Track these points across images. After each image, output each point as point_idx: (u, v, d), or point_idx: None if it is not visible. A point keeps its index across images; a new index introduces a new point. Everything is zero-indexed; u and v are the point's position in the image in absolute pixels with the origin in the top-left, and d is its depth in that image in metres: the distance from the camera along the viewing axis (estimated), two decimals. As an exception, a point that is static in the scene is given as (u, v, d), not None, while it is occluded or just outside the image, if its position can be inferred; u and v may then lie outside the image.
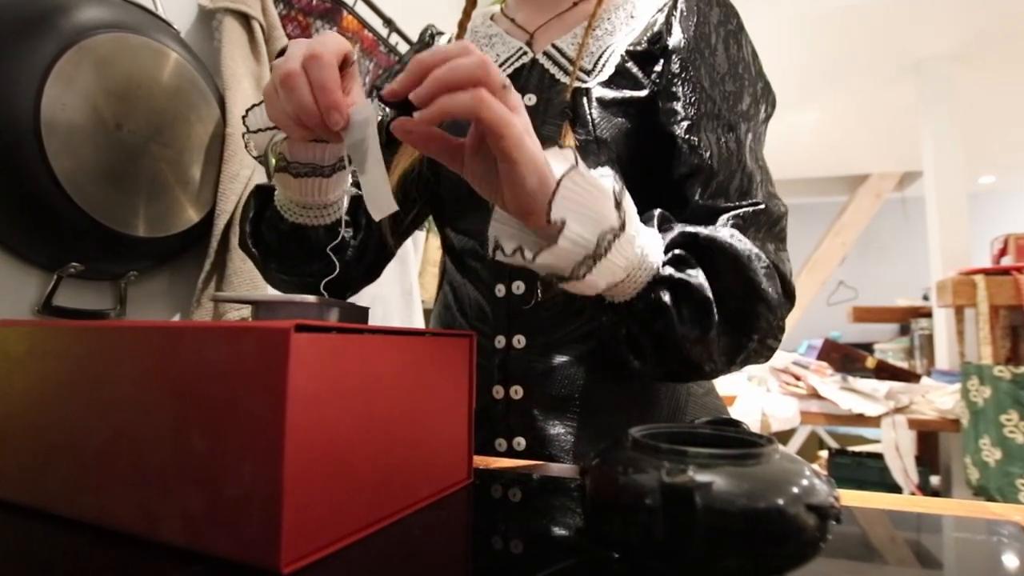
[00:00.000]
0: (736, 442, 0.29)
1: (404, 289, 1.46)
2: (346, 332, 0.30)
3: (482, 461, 0.51)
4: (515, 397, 0.56)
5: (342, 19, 1.22)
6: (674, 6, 0.57)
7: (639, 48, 0.57)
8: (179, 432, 0.28)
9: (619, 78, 0.56)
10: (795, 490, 0.24)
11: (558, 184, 0.36)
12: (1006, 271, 1.87)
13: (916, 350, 3.11)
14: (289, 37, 1.06)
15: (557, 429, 0.55)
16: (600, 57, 0.58)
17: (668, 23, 0.56)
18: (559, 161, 0.37)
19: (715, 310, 0.43)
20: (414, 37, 0.91)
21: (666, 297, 0.42)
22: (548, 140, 0.41)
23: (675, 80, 0.54)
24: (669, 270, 0.42)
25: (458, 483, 0.41)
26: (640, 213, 0.43)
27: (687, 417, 0.58)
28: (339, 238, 0.54)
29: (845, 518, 0.37)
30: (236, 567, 0.26)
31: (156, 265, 0.87)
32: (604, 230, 0.37)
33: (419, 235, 1.65)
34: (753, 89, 0.56)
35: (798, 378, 2.13)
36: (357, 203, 0.59)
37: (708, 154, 0.51)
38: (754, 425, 1.96)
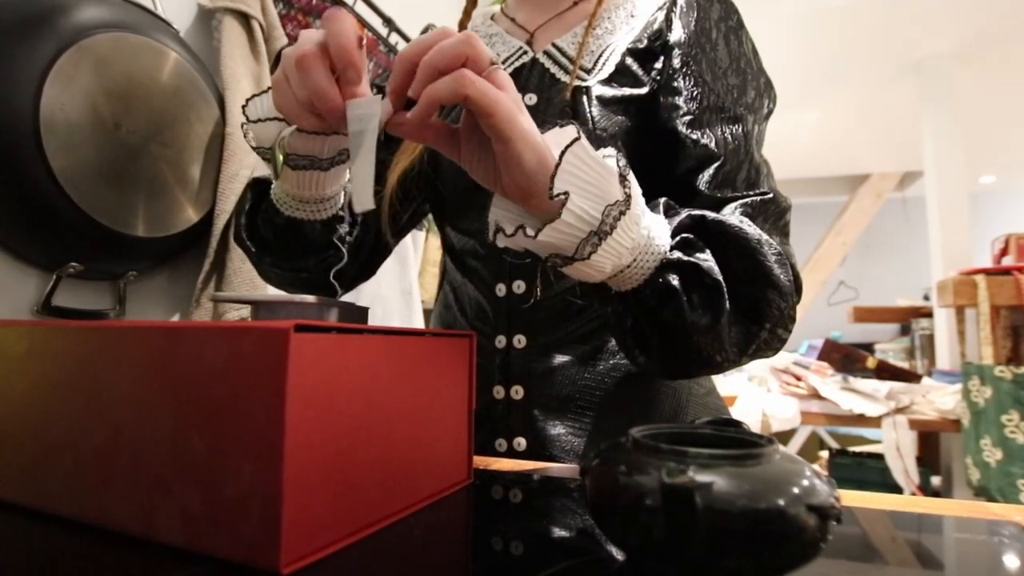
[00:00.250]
0: (736, 442, 0.29)
1: (404, 289, 1.46)
2: (346, 332, 0.30)
3: (482, 461, 0.51)
4: (516, 397, 0.56)
5: (342, 19, 1.22)
6: (674, 3, 0.57)
7: (639, 46, 0.57)
8: (178, 432, 0.28)
9: (619, 76, 0.56)
10: (796, 491, 0.24)
11: (561, 157, 0.35)
12: (1007, 271, 1.87)
13: (917, 350, 3.10)
14: (289, 37, 1.06)
15: (558, 429, 0.55)
16: (600, 56, 0.58)
17: (668, 20, 0.56)
18: (560, 138, 0.36)
19: (726, 295, 0.41)
20: (414, 36, 0.91)
21: (675, 281, 0.40)
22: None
23: (676, 75, 0.54)
24: (677, 254, 0.41)
25: (458, 483, 0.41)
26: None
27: (688, 417, 0.58)
28: (335, 233, 0.54)
29: (846, 519, 0.36)
30: (235, 567, 0.26)
31: (155, 265, 0.87)
32: (609, 204, 0.36)
33: (419, 235, 1.64)
34: (756, 83, 0.55)
35: (799, 378, 2.13)
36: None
37: (713, 145, 0.51)
38: (754, 425, 1.96)
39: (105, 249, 0.77)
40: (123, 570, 0.27)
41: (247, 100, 0.46)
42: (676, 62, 0.54)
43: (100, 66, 0.73)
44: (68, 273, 0.74)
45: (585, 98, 0.55)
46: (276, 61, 1.02)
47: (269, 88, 0.46)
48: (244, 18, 0.97)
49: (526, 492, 0.42)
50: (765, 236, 0.44)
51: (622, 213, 0.37)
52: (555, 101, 0.57)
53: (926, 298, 3.46)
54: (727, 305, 0.41)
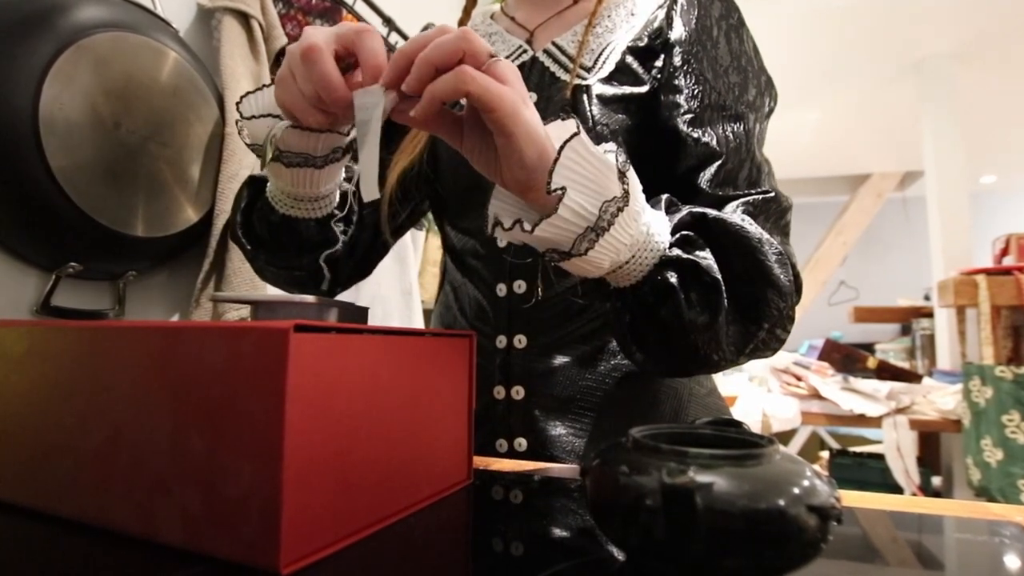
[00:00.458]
0: (737, 443, 0.29)
1: (404, 289, 1.46)
2: (345, 332, 0.30)
3: (482, 462, 0.51)
4: (516, 398, 0.56)
5: (341, 18, 1.22)
6: (674, 1, 0.57)
7: (640, 44, 0.57)
8: (178, 432, 0.28)
9: (620, 75, 0.56)
10: (796, 491, 0.24)
11: (559, 152, 0.35)
12: (1007, 271, 1.87)
13: (917, 350, 3.10)
14: (288, 36, 1.06)
15: (558, 430, 0.55)
16: (600, 54, 0.58)
17: (669, 18, 0.56)
18: (561, 132, 0.36)
19: (725, 294, 0.41)
20: (413, 36, 0.91)
21: (673, 279, 0.40)
22: None
23: (677, 73, 0.54)
24: (676, 251, 0.41)
25: (458, 484, 0.41)
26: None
27: (689, 417, 0.57)
28: (330, 232, 0.54)
29: (846, 519, 0.36)
30: (235, 568, 0.26)
31: (155, 265, 0.87)
32: (606, 200, 0.36)
33: (419, 235, 1.64)
34: (757, 81, 0.55)
35: (799, 378, 2.13)
36: (348, 198, 0.58)
37: (715, 143, 0.50)
38: (755, 426, 1.96)
39: (104, 249, 0.77)
40: (123, 570, 0.27)
41: (242, 97, 0.46)
42: (677, 60, 0.54)
43: (99, 66, 0.73)
44: (67, 273, 0.74)
45: (585, 96, 0.55)
46: (276, 61, 1.02)
47: (265, 85, 0.46)
48: (244, 18, 0.97)
49: (526, 492, 0.42)
50: (766, 235, 0.44)
51: (620, 209, 0.37)
52: (555, 100, 0.57)
53: (927, 298, 3.46)
54: (725, 304, 0.41)
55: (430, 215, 0.71)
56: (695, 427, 0.32)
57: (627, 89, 0.55)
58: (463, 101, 0.37)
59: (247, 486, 0.26)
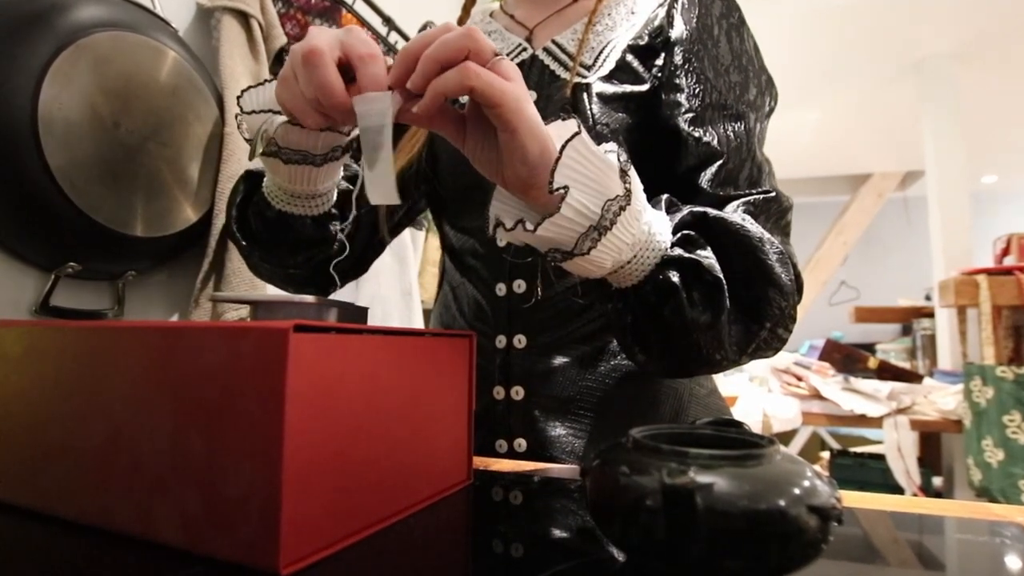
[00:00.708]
0: (737, 443, 0.29)
1: (404, 289, 1.46)
2: (345, 332, 0.30)
3: (482, 462, 0.51)
4: (516, 398, 0.56)
5: (341, 17, 1.22)
6: (675, 0, 0.57)
7: (640, 43, 0.57)
8: (177, 433, 0.28)
9: (620, 73, 0.56)
10: (797, 491, 0.24)
11: (560, 151, 0.35)
12: (1008, 271, 1.87)
13: (918, 350, 3.10)
14: (288, 35, 1.06)
15: (558, 430, 0.55)
16: (601, 52, 0.58)
17: (669, 16, 0.56)
18: (562, 131, 0.36)
19: (727, 293, 0.41)
20: (413, 35, 0.91)
21: (675, 278, 0.40)
22: None
23: (678, 72, 0.54)
24: (678, 251, 0.41)
25: (458, 484, 0.41)
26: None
27: (689, 418, 0.57)
28: (326, 231, 0.54)
29: (847, 519, 0.36)
30: (235, 568, 0.26)
31: (154, 265, 0.87)
32: (609, 199, 0.36)
33: (419, 235, 1.64)
34: (758, 81, 0.55)
35: (800, 379, 2.13)
36: (345, 197, 0.58)
37: (716, 143, 0.50)
38: (755, 426, 1.96)
39: (104, 249, 0.77)
40: (122, 570, 0.27)
41: (243, 91, 0.45)
42: (678, 59, 0.54)
43: (99, 65, 0.73)
44: (66, 273, 0.74)
45: (586, 95, 0.55)
46: (277, 58, 1.02)
47: (265, 80, 0.45)
48: (243, 17, 0.96)
49: (526, 493, 0.42)
50: (767, 235, 0.44)
51: (622, 208, 0.37)
52: (555, 98, 0.57)
53: (927, 298, 3.46)
54: (727, 303, 0.41)
55: (430, 215, 0.71)
56: (695, 427, 0.32)
57: (627, 87, 0.55)
58: (464, 99, 0.37)
59: (247, 486, 0.26)
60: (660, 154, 0.53)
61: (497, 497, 0.41)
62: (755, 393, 2.18)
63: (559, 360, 0.56)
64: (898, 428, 1.87)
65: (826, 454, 2.19)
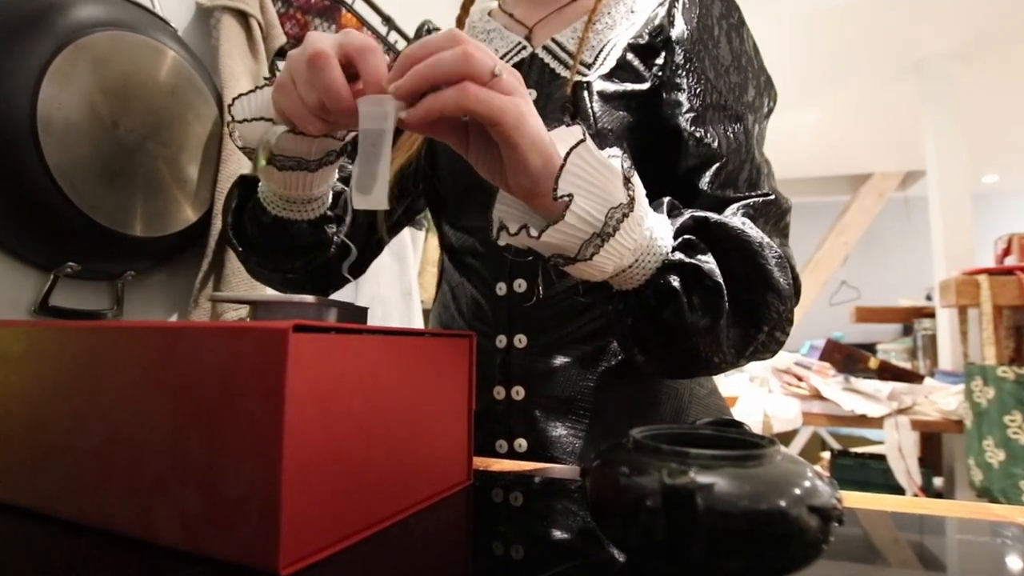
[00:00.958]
0: (738, 443, 0.29)
1: (403, 289, 1.46)
2: (345, 332, 0.30)
3: (482, 463, 0.50)
4: (516, 398, 0.56)
5: (341, 17, 1.22)
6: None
7: (640, 41, 0.57)
8: (177, 433, 0.28)
9: (620, 71, 0.56)
10: (797, 492, 0.24)
11: (565, 159, 0.35)
12: (1010, 271, 1.87)
13: (919, 351, 3.10)
14: (287, 35, 1.06)
15: (559, 431, 0.54)
16: (601, 51, 0.58)
17: (670, 15, 0.56)
18: (566, 138, 0.36)
19: (726, 297, 0.41)
20: (412, 35, 0.91)
21: (675, 283, 0.40)
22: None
23: (679, 71, 0.54)
24: (679, 255, 0.41)
25: (458, 484, 0.41)
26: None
27: (689, 418, 0.57)
28: (323, 234, 0.54)
29: (848, 520, 0.36)
30: (234, 568, 0.26)
31: (154, 265, 0.87)
32: (612, 207, 0.36)
33: (418, 235, 1.64)
34: (757, 82, 0.55)
35: (800, 379, 2.13)
36: (342, 200, 0.58)
37: (716, 144, 0.51)
38: (756, 426, 1.96)
39: (103, 249, 0.76)
40: (122, 570, 0.27)
41: (233, 99, 0.45)
42: (679, 58, 0.54)
43: (98, 65, 0.73)
44: (66, 273, 0.74)
45: (586, 93, 0.55)
46: (277, 54, 1.02)
47: (257, 87, 0.45)
48: (243, 16, 0.96)
49: (526, 493, 0.42)
50: (767, 239, 0.44)
51: (625, 215, 0.37)
52: (555, 97, 0.57)
53: (928, 298, 3.46)
54: (726, 307, 0.41)
55: (429, 215, 0.71)
56: (696, 428, 0.32)
57: (628, 86, 0.55)
58: None
59: (246, 486, 0.26)
60: (660, 153, 0.53)
61: (497, 497, 0.41)
62: (755, 393, 2.18)
63: (560, 360, 0.56)
64: (899, 428, 1.86)
65: (827, 454, 2.19)
